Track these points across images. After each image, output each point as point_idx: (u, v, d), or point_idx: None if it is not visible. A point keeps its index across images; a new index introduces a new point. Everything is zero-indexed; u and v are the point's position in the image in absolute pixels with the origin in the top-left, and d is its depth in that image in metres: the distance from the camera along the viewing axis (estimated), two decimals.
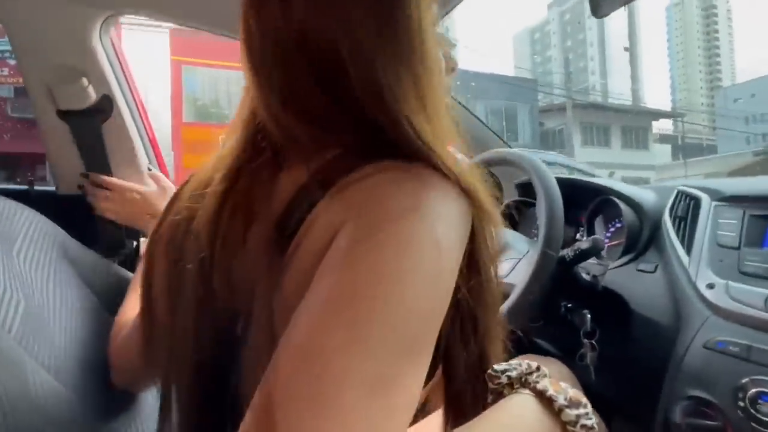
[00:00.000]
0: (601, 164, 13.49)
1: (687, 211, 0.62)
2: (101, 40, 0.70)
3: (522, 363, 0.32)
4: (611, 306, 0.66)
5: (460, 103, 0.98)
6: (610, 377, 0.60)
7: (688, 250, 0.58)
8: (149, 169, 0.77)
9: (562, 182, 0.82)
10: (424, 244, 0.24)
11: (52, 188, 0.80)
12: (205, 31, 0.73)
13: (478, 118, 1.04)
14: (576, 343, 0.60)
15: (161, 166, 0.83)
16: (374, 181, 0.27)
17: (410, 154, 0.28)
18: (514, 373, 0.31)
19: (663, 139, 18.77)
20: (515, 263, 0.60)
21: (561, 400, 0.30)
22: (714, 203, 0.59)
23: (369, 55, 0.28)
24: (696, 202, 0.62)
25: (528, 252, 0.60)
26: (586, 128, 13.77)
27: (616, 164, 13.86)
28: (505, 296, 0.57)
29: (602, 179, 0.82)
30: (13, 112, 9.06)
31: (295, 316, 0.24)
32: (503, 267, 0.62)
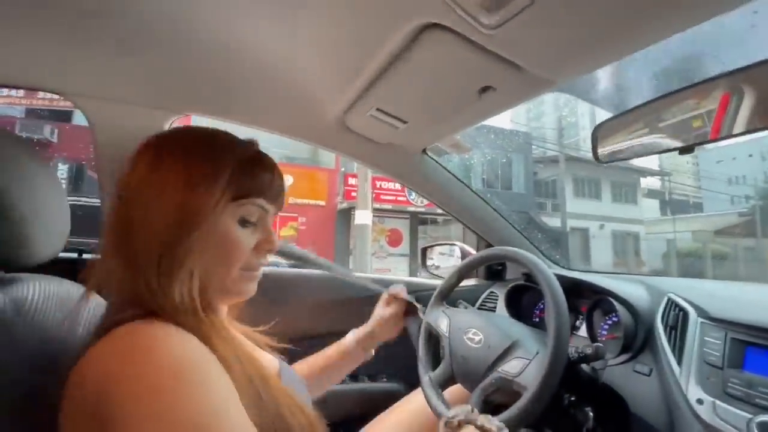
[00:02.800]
0: (592, 216, 13.85)
1: (677, 322, 0.69)
2: None
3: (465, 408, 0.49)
4: (611, 404, 0.71)
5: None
6: None
7: (679, 361, 0.64)
8: None
9: (565, 280, 0.90)
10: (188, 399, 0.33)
11: None
12: (261, 130, 0.83)
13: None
14: None
15: None
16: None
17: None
18: (462, 416, 0.48)
19: (651, 194, 19.32)
20: (526, 364, 0.65)
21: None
22: (700, 320, 0.65)
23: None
24: (685, 315, 0.67)
25: (537, 354, 0.65)
26: (578, 180, 14.26)
27: (607, 217, 14.22)
28: (515, 394, 0.62)
29: (600, 278, 0.90)
30: (21, 131, 9.18)
31: None
32: (513, 365, 0.67)
